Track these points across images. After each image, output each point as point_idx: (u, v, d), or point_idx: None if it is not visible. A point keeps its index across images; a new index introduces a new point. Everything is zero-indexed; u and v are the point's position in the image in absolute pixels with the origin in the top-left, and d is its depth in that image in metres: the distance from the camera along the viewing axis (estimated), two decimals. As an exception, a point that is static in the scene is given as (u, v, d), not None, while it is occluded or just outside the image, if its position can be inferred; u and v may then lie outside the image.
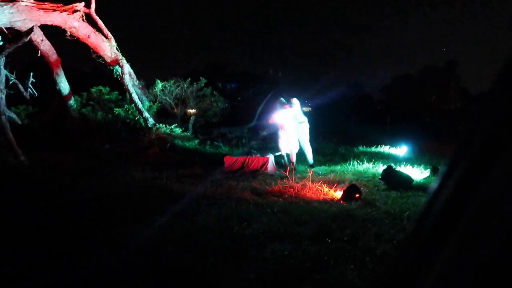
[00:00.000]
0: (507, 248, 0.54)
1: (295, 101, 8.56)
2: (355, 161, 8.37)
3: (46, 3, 10.22)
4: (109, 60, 11.43)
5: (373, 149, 11.46)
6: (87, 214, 4.39)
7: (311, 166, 8.17)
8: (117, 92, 12.49)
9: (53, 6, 10.29)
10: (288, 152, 8.00)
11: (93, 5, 11.08)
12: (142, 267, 3.01)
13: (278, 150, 8.37)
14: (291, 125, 8.06)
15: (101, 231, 3.82)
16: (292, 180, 6.12)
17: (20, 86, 10.43)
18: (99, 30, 11.32)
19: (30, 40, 9.74)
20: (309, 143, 8.46)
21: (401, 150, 10.95)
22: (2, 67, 8.12)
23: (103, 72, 15.14)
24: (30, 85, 10.62)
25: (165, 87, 12.56)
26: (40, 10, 10.04)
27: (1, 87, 7.98)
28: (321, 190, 5.78)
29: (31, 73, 10.64)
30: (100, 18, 11.33)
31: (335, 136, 14.23)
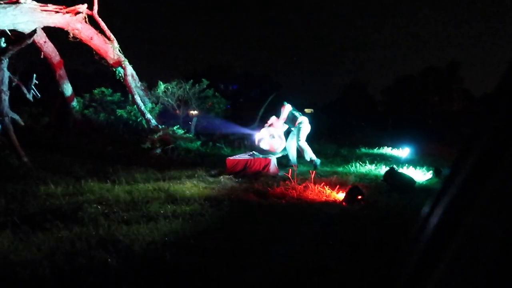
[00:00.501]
0: (508, 246, 0.54)
1: (286, 108, 8.48)
2: (357, 163, 8.37)
3: (49, 4, 10.27)
4: (111, 62, 11.47)
5: (375, 150, 11.45)
6: (88, 215, 4.39)
7: (314, 165, 8.10)
8: (119, 94, 12.53)
9: (56, 8, 10.33)
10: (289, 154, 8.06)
11: (95, 7, 11.12)
12: (145, 268, 3.01)
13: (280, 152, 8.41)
14: (280, 131, 8.38)
15: (103, 233, 3.82)
16: (294, 181, 6.12)
17: (23, 87, 10.45)
18: (101, 31, 11.36)
19: (33, 42, 9.78)
20: (305, 143, 8.37)
21: (404, 151, 10.93)
22: (5, 68, 8.15)
23: (106, 73, 15.18)
24: (33, 86, 10.64)
25: (167, 88, 12.58)
26: (43, 12, 10.08)
27: (4, 89, 8.01)
28: (323, 192, 5.77)
29: (34, 75, 10.67)
30: (102, 20, 11.37)
31: (337, 138, 14.22)
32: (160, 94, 12.45)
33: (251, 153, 8.42)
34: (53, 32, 11.14)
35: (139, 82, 12.24)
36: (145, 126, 11.30)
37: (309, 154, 8.29)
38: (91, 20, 11.18)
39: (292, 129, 8.55)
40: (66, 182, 6.24)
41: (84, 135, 11.36)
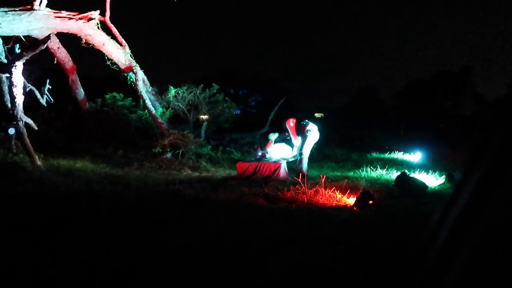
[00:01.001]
0: None
1: (291, 122, 8.28)
2: (368, 168, 8.30)
3: (62, 11, 10.44)
4: (123, 67, 11.59)
5: (387, 155, 11.36)
6: (100, 219, 4.43)
7: (299, 173, 7.57)
8: (130, 98, 12.64)
9: (69, 15, 10.50)
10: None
11: (107, 13, 11.27)
12: (154, 272, 3.01)
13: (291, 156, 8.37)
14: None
15: (115, 236, 3.84)
16: (304, 186, 6.09)
17: (37, 92, 10.61)
18: (113, 37, 11.50)
19: (47, 48, 9.95)
20: (307, 153, 8.10)
21: (415, 156, 10.82)
22: (19, 74, 8.29)
23: (117, 78, 15.35)
24: (46, 91, 10.81)
25: (178, 93, 12.66)
26: (57, 18, 10.25)
27: (19, 94, 8.13)
28: (334, 197, 5.74)
29: (48, 80, 10.83)
30: (114, 26, 11.52)
31: (347, 142, 14.14)
32: (171, 99, 12.53)
33: (259, 155, 8.39)
34: (66, 38, 11.34)
35: (150, 87, 12.34)
36: (156, 130, 11.38)
37: (304, 163, 8.03)
38: (103, 26, 11.33)
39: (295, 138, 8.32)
40: (78, 186, 6.30)
41: (96, 139, 11.48)
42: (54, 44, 11.02)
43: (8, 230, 3.96)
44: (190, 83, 13.15)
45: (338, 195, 5.79)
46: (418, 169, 7.95)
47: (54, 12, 10.24)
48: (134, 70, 11.48)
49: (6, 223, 4.21)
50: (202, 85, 13.20)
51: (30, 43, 9.79)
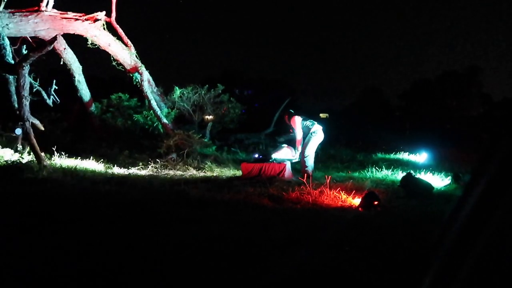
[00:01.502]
0: None
1: (296, 120, 8.03)
2: (373, 168, 8.27)
3: (68, 12, 10.53)
4: (128, 68, 11.65)
5: (392, 156, 11.31)
6: (105, 219, 4.45)
7: (305, 174, 7.49)
8: (136, 99, 12.71)
9: (76, 16, 10.58)
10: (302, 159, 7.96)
11: (113, 14, 11.34)
12: (158, 272, 3.02)
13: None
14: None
15: (119, 236, 3.86)
16: (309, 186, 6.08)
17: (43, 93, 10.71)
18: (119, 38, 11.57)
19: (53, 49, 10.02)
20: (312, 153, 7.99)
21: (421, 157, 10.77)
22: (26, 74, 8.36)
23: (123, 79, 15.44)
24: (53, 92, 10.90)
25: (183, 93, 12.70)
26: (63, 19, 10.34)
27: (25, 94, 8.20)
28: (339, 197, 5.72)
29: (54, 81, 10.92)
30: (120, 27, 11.58)
31: (353, 143, 14.10)
32: (176, 99, 12.57)
33: (260, 156, 8.34)
34: (72, 39, 11.42)
35: (156, 87, 12.40)
36: (161, 131, 11.43)
37: (309, 164, 7.94)
38: (109, 27, 11.40)
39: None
40: (83, 185, 6.34)
41: (102, 139, 11.54)
42: (60, 45, 11.10)
43: (13, 229, 4.00)
44: (195, 83, 13.19)
45: (343, 196, 5.77)
46: (424, 170, 7.90)
47: (60, 13, 10.33)
48: (140, 71, 11.54)
49: (11, 222, 4.24)
50: (207, 85, 13.23)
51: (36, 44, 9.88)
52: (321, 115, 33.04)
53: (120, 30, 11.57)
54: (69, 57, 11.57)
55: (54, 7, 10.19)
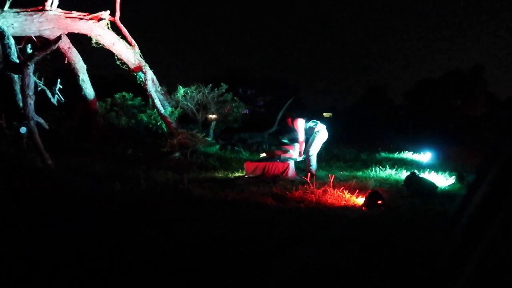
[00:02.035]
0: None
1: (299, 123, 8.00)
2: (377, 167, 8.25)
3: (73, 12, 10.57)
4: (132, 67, 11.69)
5: (396, 155, 11.28)
6: (108, 218, 4.47)
7: (309, 172, 7.62)
8: (140, 98, 12.74)
9: (80, 15, 10.62)
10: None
11: (117, 14, 11.37)
12: (161, 270, 3.04)
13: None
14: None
15: (123, 234, 3.88)
16: (313, 186, 6.08)
17: (48, 92, 10.76)
18: (123, 37, 11.61)
19: (58, 48, 10.07)
20: (315, 153, 7.98)
21: (425, 156, 10.73)
22: (31, 74, 8.40)
23: (127, 78, 15.49)
24: (57, 91, 10.94)
25: (186, 93, 12.72)
26: (68, 19, 10.38)
27: (30, 93, 8.25)
28: (342, 196, 5.72)
29: (58, 80, 10.97)
30: (124, 26, 11.62)
31: (356, 142, 14.07)
32: (180, 98, 12.60)
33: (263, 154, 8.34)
34: (76, 38, 11.46)
35: (159, 87, 12.42)
36: (165, 130, 11.46)
37: (313, 163, 7.91)
38: (113, 26, 11.44)
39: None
40: (88, 184, 6.37)
41: (106, 138, 11.59)
42: (65, 44, 11.15)
43: (16, 227, 4.02)
44: (199, 82, 13.22)
45: (347, 195, 5.77)
46: (428, 169, 7.88)
47: (65, 13, 10.37)
48: (144, 70, 11.57)
49: (15, 221, 4.27)
50: (210, 84, 13.25)
51: (41, 43, 9.93)
52: (325, 114, 33.00)
53: (124, 30, 11.61)
54: (74, 56, 11.61)
55: (58, 6, 10.23)
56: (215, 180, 7.32)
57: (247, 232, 4.04)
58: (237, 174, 8.04)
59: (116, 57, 11.64)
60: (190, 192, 6.06)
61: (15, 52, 8.72)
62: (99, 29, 10.98)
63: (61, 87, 11.17)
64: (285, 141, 8.58)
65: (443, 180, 7.19)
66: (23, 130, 8.12)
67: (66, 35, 10.75)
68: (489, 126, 22.02)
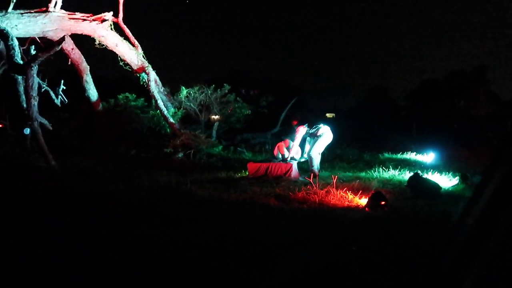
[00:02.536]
0: None
1: (301, 130, 8.01)
2: (380, 168, 8.23)
3: (76, 13, 10.59)
4: (135, 68, 11.71)
5: (399, 155, 11.24)
6: (113, 218, 4.48)
7: (312, 173, 7.51)
8: (143, 99, 12.75)
9: (83, 16, 10.65)
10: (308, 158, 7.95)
11: (121, 15, 11.39)
12: (164, 270, 3.04)
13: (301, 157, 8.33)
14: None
15: (127, 235, 3.89)
16: (316, 186, 6.07)
17: (51, 93, 10.78)
18: (126, 38, 11.62)
19: (61, 49, 10.09)
20: (319, 154, 8.00)
21: (428, 157, 10.69)
22: (35, 75, 8.43)
23: (130, 79, 15.53)
24: (61, 92, 10.97)
25: (189, 93, 12.73)
26: (71, 20, 10.42)
27: (34, 94, 8.27)
28: (345, 197, 5.71)
29: (62, 81, 10.99)
30: (127, 27, 11.64)
31: (359, 143, 14.04)
32: (183, 99, 12.60)
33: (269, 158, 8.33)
34: (80, 39, 11.50)
35: (162, 87, 12.44)
36: (168, 130, 11.47)
37: (315, 164, 7.89)
38: (117, 27, 11.46)
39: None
40: (91, 185, 6.39)
41: (109, 139, 11.61)
42: (68, 45, 11.18)
43: (20, 228, 4.04)
44: (201, 83, 13.22)
45: (350, 196, 5.76)
46: (431, 170, 7.85)
47: (68, 14, 10.40)
48: (147, 71, 11.59)
49: (19, 221, 4.29)
50: (213, 85, 13.25)
51: (45, 44, 9.95)
52: (328, 115, 32.98)
53: (127, 30, 11.63)
54: (77, 57, 11.64)
55: (62, 7, 10.26)
56: (218, 181, 7.32)
57: (249, 232, 4.04)
58: (240, 175, 8.05)
59: (119, 58, 11.66)
60: (193, 192, 6.07)
61: (19, 53, 8.74)
62: (102, 30, 11.00)
63: (64, 88, 11.18)
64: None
65: (446, 181, 7.16)
66: (26, 131, 8.16)
67: (70, 36, 10.78)
68: (493, 126, 21.93)
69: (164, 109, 11.26)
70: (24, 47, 10.04)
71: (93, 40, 11.16)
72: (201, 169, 8.62)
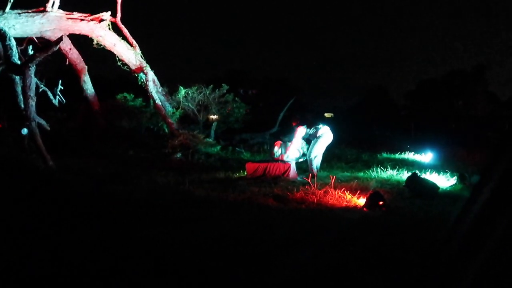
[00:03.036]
0: None
1: (300, 130, 8.09)
2: (378, 168, 8.23)
3: (74, 13, 10.58)
4: (133, 68, 11.69)
5: (397, 155, 11.25)
6: (111, 218, 4.47)
7: (310, 174, 7.49)
8: (141, 99, 12.74)
9: (81, 16, 10.64)
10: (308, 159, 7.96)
11: (119, 14, 11.37)
12: (162, 271, 3.04)
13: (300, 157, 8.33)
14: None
15: (125, 235, 3.88)
16: (314, 186, 6.07)
17: (49, 93, 10.77)
18: (124, 38, 11.60)
19: (59, 49, 10.07)
20: (319, 155, 8.01)
21: (426, 156, 10.71)
22: (32, 75, 8.41)
23: (128, 79, 15.51)
24: (58, 92, 10.95)
25: (187, 93, 12.72)
26: (69, 20, 10.40)
27: (32, 94, 8.25)
28: (343, 197, 5.71)
29: (60, 81, 10.98)
30: (125, 27, 11.62)
31: (358, 143, 14.05)
32: (181, 99, 12.59)
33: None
34: (78, 39, 11.47)
35: (160, 87, 12.42)
36: (166, 131, 11.45)
37: (314, 164, 7.88)
38: (114, 27, 11.44)
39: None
40: (89, 185, 6.37)
41: (107, 139, 11.59)
42: (66, 45, 11.16)
43: (17, 230, 4.02)
44: (200, 83, 13.21)
45: (348, 196, 5.76)
46: (429, 170, 7.86)
47: (66, 14, 10.38)
48: (145, 71, 11.57)
49: (16, 223, 4.27)
50: (212, 85, 13.25)
51: (42, 44, 9.94)
52: (326, 114, 33.00)
53: (125, 30, 11.61)
54: (75, 57, 11.62)
55: (59, 7, 10.24)
56: (216, 181, 7.32)
57: (247, 233, 4.04)
58: (238, 175, 8.05)
59: (117, 58, 11.64)
60: (191, 192, 6.06)
61: (17, 54, 8.73)
62: (100, 30, 10.98)
63: (62, 88, 11.18)
64: (286, 140, 8.59)
65: (444, 181, 7.17)
66: (24, 131, 8.13)
67: (67, 36, 10.76)
68: (491, 126, 21.97)
69: (162, 109, 11.25)
70: (22, 47, 10.02)
71: (91, 40, 11.14)
72: (200, 169, 8.60)
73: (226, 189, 6.38)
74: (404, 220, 4.59)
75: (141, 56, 11.78)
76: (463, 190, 6.52)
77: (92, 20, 10.75)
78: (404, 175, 7.59)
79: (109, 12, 11.09)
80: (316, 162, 7.94)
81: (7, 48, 8.47)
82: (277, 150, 8.28)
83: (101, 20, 10.92)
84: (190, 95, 12.74)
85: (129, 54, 11.58)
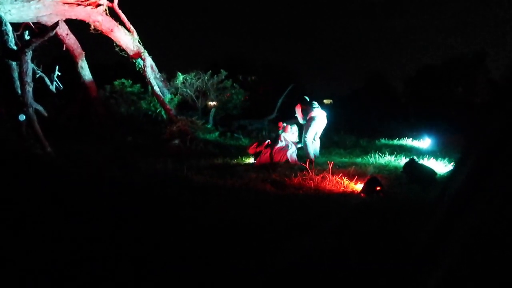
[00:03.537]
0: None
1: (296, 108, 8.22)
2: (376, 154, 8.25)
3: (70, -3, 10.43)
4: (131, 53, 11.60)
5: (396, 141, 11.26)
6: (108, 206, 4.49)
7: (308, 159, 7.50)
8: (139, 85, 12.69)
9: (78, 1, 10.49)
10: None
11: (116, -1, 11.23)
12: (162, 257, 3.06)
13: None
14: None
15: (123, 222, 3.90)
16: (312, 172, 6.09)
17: (46, 79, 10.69)
18: (121, 23, 11.49)
19: (56, 34, 9.96)
20: (311, 140, 7.99)
21: (425, 142, 10.71)
22: (29, 61, 8.34)
23: (126, 65, 15.39)
24: (56, 78, 10.87)
25: (186, 79, 12.66)
26: (65, 4, 10.26)
27: (28, 80, 8.20)
28: (341, 183, 5.73)
29: (57, 67, 10.89)
30: (122, 12, 11.49)
31: (356, 129, 14.03)
32: (179, 85, 12.54)
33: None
34: (74, 25, 11.35)
35: (159, 73, 12.35)
36: (164, 117, 11.43)
37: (309, 149, 7.86)
38: (112, 12, 11.31)
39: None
40: (88, 171, 6.38)
41: (105, 125, 11.57)
42: (63, 30, 11.04)
43: (17, 217, 4.04)
44: (198, 69, 13.13)
45: (346, 182, 5.78)
46: (427, 156, 7.87)
47: (62, -2, 10.23)
48: (143, 57, 11.49)
49: (15, 210, 4.29)
50: (210, 71, 13.18)
51: (39, 29, 9.83)
52: (325, 101, 32.86)
53: (122, 16, 11.49)
54: (72, 42, 11.52)
55: (56, -8, 10.09)
56: (215, 167, 7.33)
57: (246, 219, 4.06)
58: (247, 161, 8.03)
59: (115, 44, 11.54)
60: (189, 179, 6.07)
61: (13, 39, 8.63)
62: (97, 15, 10.86)
63: (59, 74, 11.09)
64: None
65: (442, 167, 7.18)
66: (21, 117, 8.10)
67: (64, 21, 10.64)
68: (491, 113, 21.86)
69: (160, 95, 11.20)
70: (18, 33, 9.90)
71: (88, 25, 11.03)
72: (198, 156, 8.61)
73: (224, 175, 6.39)
74: (401, 205, 4.61)
75: (138, 42, 11.69)
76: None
77: (88, 5, 10.62)
78: (402, 161, 7.60)
79: (106, -3, 10.95)
80: (312, 147, 7.93)
81: (3, 33, 8.38)
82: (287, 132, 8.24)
83: (98, 5, 10.78)
84: (189, 81, 12.68)
85: (126, 39, 11.49)
